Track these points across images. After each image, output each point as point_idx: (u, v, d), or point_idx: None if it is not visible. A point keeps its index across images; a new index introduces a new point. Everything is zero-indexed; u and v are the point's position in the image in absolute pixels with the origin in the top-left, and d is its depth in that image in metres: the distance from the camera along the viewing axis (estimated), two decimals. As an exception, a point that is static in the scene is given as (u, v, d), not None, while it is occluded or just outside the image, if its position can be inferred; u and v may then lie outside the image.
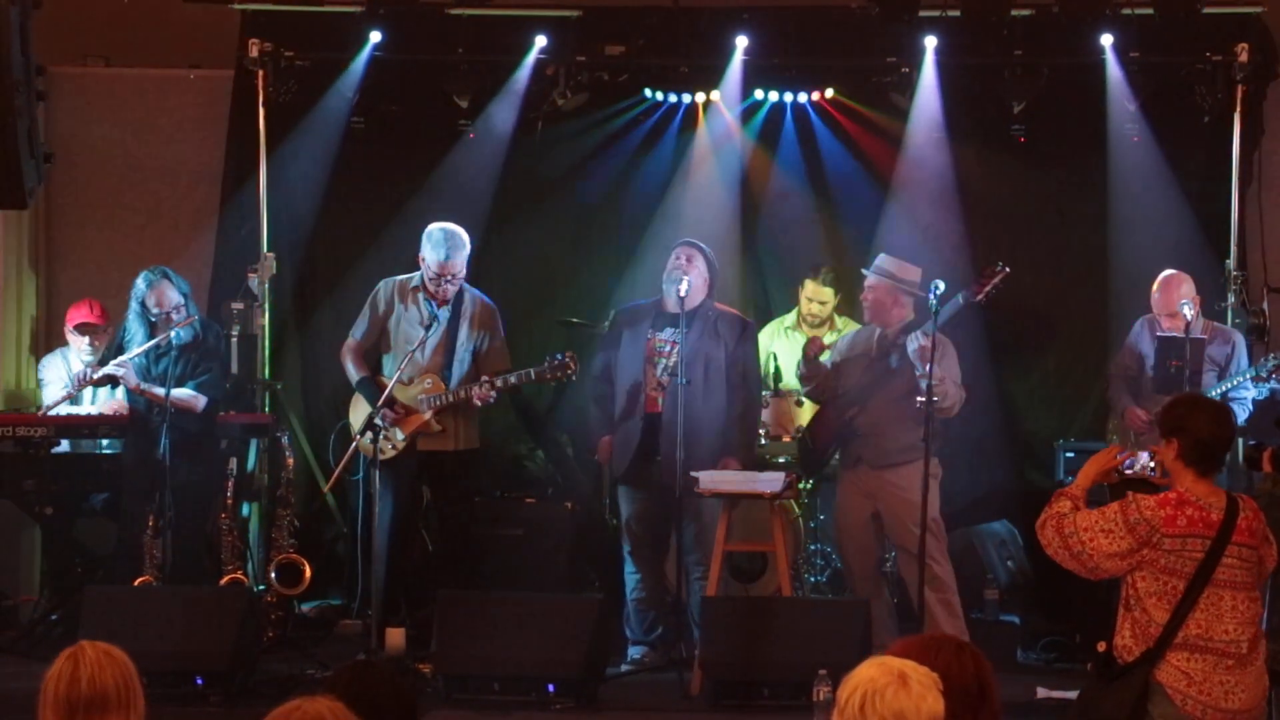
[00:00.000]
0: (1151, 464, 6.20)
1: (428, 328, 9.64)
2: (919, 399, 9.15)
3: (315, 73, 11.12)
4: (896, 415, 9.40)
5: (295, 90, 11.09)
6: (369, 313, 9.90)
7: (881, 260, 9.66)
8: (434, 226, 9.72)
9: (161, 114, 11.84)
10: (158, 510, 9.68)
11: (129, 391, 9.96)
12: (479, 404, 9.66)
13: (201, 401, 9.85)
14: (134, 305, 9.89)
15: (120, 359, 9.78)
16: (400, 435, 9.68)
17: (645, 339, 9.64)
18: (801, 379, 9.87)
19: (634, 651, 9.64)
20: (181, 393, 9.77)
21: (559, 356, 9.55)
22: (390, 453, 9.69)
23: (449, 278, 9.68)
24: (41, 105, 7.09)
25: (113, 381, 9.93)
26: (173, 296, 9.83)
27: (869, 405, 9.52)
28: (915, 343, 9.28)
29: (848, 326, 10.77)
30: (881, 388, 9.48)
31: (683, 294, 9.38)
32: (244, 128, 11.21)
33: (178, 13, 11.15)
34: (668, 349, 9.56)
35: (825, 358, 9.80)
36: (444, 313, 9.73)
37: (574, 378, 9.67)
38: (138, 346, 9.82)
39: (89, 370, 10.04)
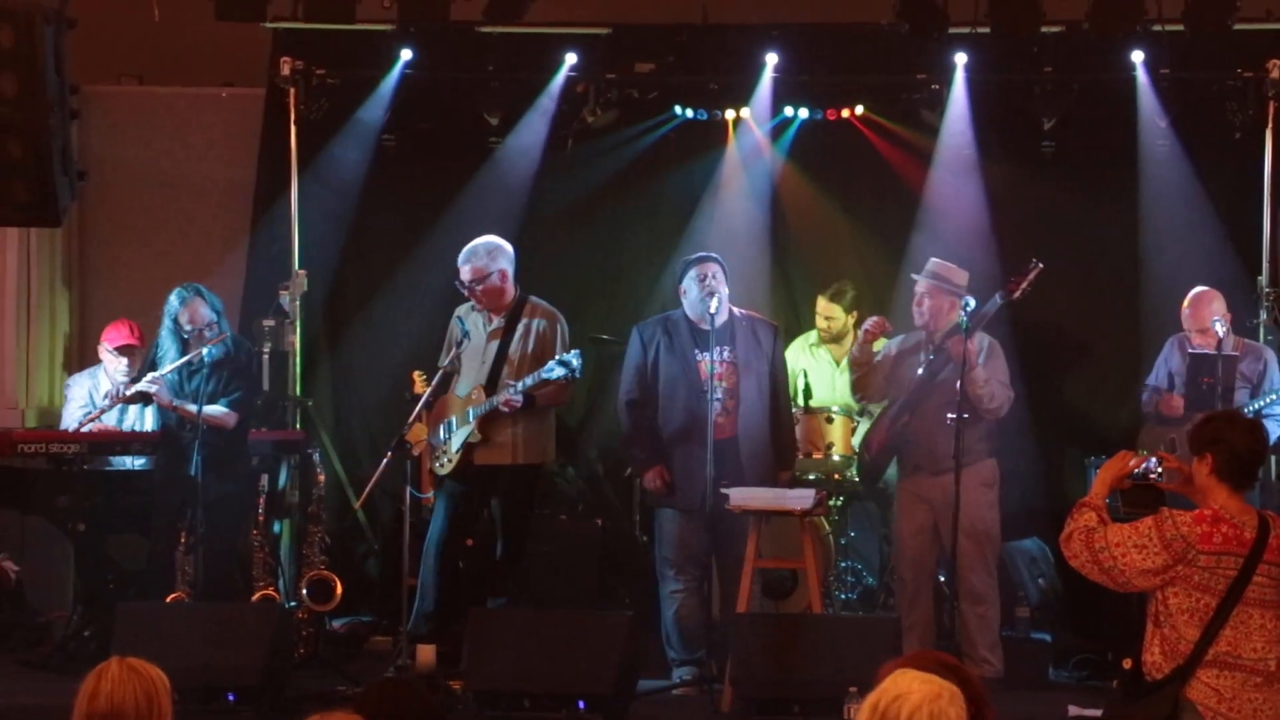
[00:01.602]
0: (1159, 469, 6.18)
1: (459, 343, 9.70)
2: (974, 404, 9.26)
3: (346, 90, 11.17)
4: (949, 419, 9.40)
5: (326, 108, 11.14)
6: (447, 339, 9.95)
7: (931, 264, 9.68)
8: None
9: (194, 132, 11.90)
10: (190, 527, 9.72)
11: (160, 408, 10.00)
12: (506, 410, 9.62)
13: (233, 419, 9.87)
14: (167, 322, 9.92)
15: (152, 375, 9.81)
16: (455, 446, 9.71)
17: (694, 361, 9.53)
18: (851, 365, 9.87)
19: (682, 673, 9.52)
20: (214, 410, 9.79)
21: (562, 358, 9.49)
22: (447, 467, 9.75)
23: (476, 285, 9.73)
24: (75, 124, 7.12)
25: (145, 399, 9.96)
26: (205, 314, 9.85)
27: (920, 411, 9.51)
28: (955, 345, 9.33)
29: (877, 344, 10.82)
30: (932, 393, 9.46)
31: (713, 310, 9.36)
32: (275, 145, 11.26)
33: (210, 31, 11.19)
34: (722, 369, 9.52)
35: (880, 346, 9.80)
36: (487, 324, 9.78)
37: (578, 374, 9.55)
38: (170, 363, 9.85)
39: (122, 387, 10.09)
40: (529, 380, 9.54)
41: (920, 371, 9.55)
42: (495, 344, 9.79)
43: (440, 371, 9.66)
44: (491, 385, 9.71)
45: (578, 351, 9.50)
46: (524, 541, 10.02)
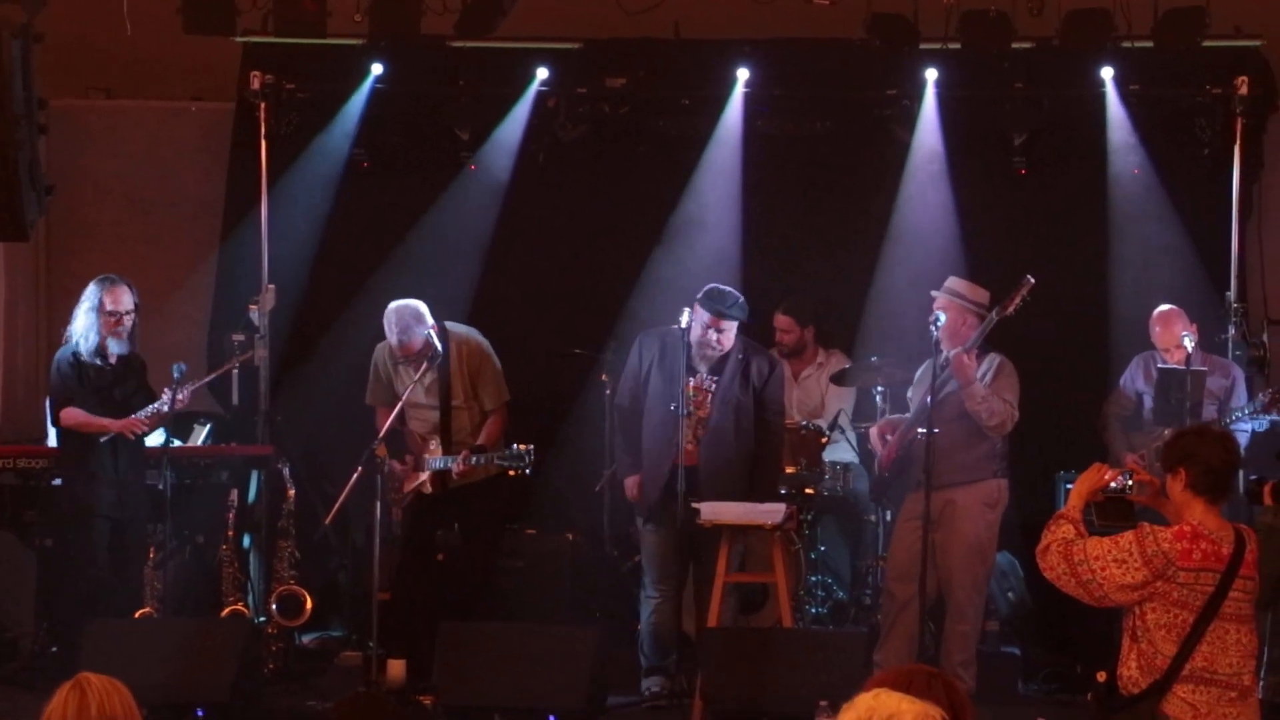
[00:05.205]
0: (1130, 482, 6.20)
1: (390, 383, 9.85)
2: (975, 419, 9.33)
3: (316, 105, 11.16)
4: (955, 435, 9.38)
5: (297, 122, 11.13)
6: (371, 377, 10.03)
7: (951, 282, 9.62)
8: (389, 307, 9.78)
9: (163, 146, 11.87)
10: (159, 542, 9.69)
11: (58, 427, 9.92)
12: (456, 477, 9.69)
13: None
14: (87, 304, 9.81)
15: (143, 418, 9.76)
16: (405, 490, 9.79)
17: (679, 384, 9.39)
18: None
19: (650, 682, 9.54)
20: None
21: (516, 447, 9.54)
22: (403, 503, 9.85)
23: (408, 350, 9.75)
24: (43, 138, 7.09)
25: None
26: (127, 300, 9.82)
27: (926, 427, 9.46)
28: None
29: (831, 359, 10.84)
30: (939, 409, 9.39)
31: (706, 354, 9.40)
32: (245, 160, 11.22)
33: (179, 45, 11.16)
34: (700, 398, 9.45)
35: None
36: (415, 370, 9.76)
37: (529, 472, 9.64)
38: (90, 348, 9.75)
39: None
40: (480, 460, 9.62)
41: (930, 388, 9.49)
42: (433, 381, 9.80)
43: (402, 401, 9.68)
44: (445, 425, 9.78)
45: (531, 449, 9.56)
46: (496, 554, 10.06)
